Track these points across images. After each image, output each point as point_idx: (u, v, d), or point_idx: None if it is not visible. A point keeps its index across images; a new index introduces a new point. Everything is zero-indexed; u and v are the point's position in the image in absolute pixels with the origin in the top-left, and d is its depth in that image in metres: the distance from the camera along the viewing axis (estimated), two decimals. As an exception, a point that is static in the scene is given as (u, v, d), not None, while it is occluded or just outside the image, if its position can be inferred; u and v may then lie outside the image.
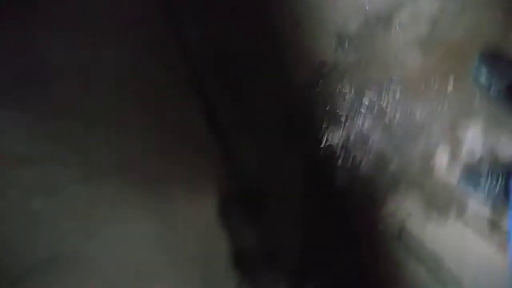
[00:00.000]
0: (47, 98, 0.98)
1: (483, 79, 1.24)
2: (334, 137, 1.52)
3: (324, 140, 1.53)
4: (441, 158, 1.39)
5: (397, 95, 1.41)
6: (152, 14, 1.37)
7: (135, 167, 1.22)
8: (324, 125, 1.52)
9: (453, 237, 1.42)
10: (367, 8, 1.38)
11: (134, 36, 1.26)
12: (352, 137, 1.50)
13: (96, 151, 1.09)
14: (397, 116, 1.42)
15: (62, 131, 1.01)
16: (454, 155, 1.37)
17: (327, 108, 1.51)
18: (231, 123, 1.55)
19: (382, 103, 1.43)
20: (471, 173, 1.33)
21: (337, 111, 1.50)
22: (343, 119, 1.50)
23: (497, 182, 1.27)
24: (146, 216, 1.25)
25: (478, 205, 1.36)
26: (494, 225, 1.35)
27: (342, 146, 1.52)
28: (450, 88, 1.33)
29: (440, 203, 1.42)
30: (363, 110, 1.46)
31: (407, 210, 1.48)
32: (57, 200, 0.97)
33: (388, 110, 1.43)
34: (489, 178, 1.29)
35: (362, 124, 1.48)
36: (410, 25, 1.35)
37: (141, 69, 1.26)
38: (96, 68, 1.13)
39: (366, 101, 1.45)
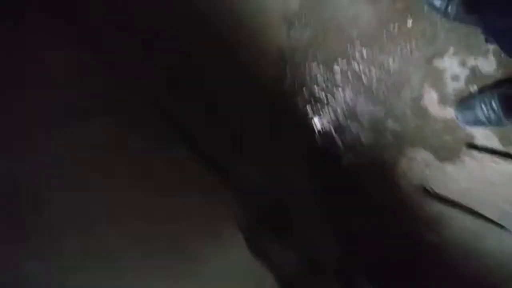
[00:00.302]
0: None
1: (436, 1, 1.17)
2: (323, 119, 1.48)
3: (315, 125, 1.48)
4: (431, 97, 1.32)
5: (365, 54, 1.36)
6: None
7: (154, 241, 1.18)
8: (309, 111, 1.48)
9: (474, 173, 1.32)
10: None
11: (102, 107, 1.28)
12: (339, 112, 1.45)
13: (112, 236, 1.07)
14: (373, 74, 1.38)
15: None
16: (440, 89, 1.30)
17: (305, 93, 1.46)
18: (223, 152, 1.52)
19: (354, 67, 1.39)
20: (464, 102, 1.25)
21: (315, 92, 1.46)
22: (324, 98, 1.45)
23: (491, 102, 1.19)
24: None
25: (484, 134, 1.27)
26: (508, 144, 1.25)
27: (335, 125, 1.47)
28: (410, 25, 1.27)
29: (449, 144, 1.34)
30: (339, 82, 1.41)
31: (422, 162, 1.39)
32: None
33: (362, 72, 1.39)
34: (482, 101, 1.21)
35: (344, 96, 1.43)
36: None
37: (122, 138, 1.27)
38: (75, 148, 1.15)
39: (338, 72, 1.41)
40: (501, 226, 1.37)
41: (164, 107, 1.45)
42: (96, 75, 1.35)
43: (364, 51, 1.37)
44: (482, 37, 1.19)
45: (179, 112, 1.50)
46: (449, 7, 1.17)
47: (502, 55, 1.21)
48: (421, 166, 1.41)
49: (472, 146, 1.32)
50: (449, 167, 1.37)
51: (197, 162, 1.44)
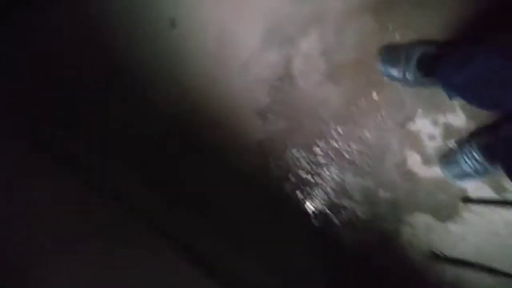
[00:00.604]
0: None
1: (393, 72, 1.24)
2: (315, 202, 1.44)
3: (310, 210, 1.44)
4: (414, 159, 1.34)
5: (341, 131, 1.39)
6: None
7: None
8: (300, 197, 1.45)
9: (478, 227, 1.28)
10: (264, 75, 1.43)
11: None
12: (330, 191, 1.44)
13: None
14: (354, 148, 1.38)
15: None
16: (420, 150, 1.32)
17: (292, 179, 1.45)
18: (226, 259, 1.45)
19: (333, 145, 1.40)
20: (447, 158, 1.26)
21: (302, 176, 1.44)
22: (311, 180, 1.44)
23: (472, 154, 1.20)
24: None
25: (476, 185, 1.26)
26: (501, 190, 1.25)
27: (328, 205, 1.43)
28: (376, 97, 1.32)
29: (445, 202, 1.31)
30: (322, 162, 1.42)
31: (423, 226, 1.34)
32: None
33: (342, 148, 1.40)
34: (464, 154, 1.22)
35: (330, 174, 1.43)
36: (308, 68, 1.40)
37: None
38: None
39: (319, 153, 1.42)
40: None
41: (154, 219, 1.41)
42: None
43: (340, 129, 1.40)
44: (446, 97, 1.24)
45: (171, 223, 1.45)
46: (407, 74, 1.24)
47: (469, 107, 1.25)
48: (423, 230, 1.36)
49: (468, 200, 1.29)
50: (452, 226, 1.32)
51: (194, 266, 1.35)
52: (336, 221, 1.46)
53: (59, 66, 1.58)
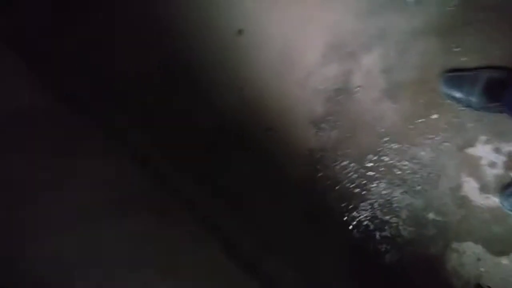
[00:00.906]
0: None
1: (457, 95, 1.19)
2: (360, 214, 1.41)
3: (352, 220, 1.41)
4: (471, 186, 1.25)
5: (395, 149, 1.34)
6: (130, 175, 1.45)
7: None
8: (344, 206, 1.42)
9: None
10: (322, 87, 1.42)
11: (134, 204, 1.31)
12: (376, 205, 1.39)
13: None
14: (406, 167, 1.33)
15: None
16: (479, 177, 1.23)
17: (338, 188, 1.43)
18: (254, 249, 1.46)
19: (386, 162, 1.36)
20: (507, 189, 1.18)
21: (349, 186, 1.41)
22: (358, 192, 1.40)
23: None
24: None
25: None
26: None
27: (373, 221, 1.39)
28: (435, 118, 1.27)
29: (500, 235, 1.22)
30: (372, 178, 1.38)
31: (473, 256, 1.25)
32: None
33: (395, 166, 1.35)
34: None
35: (379, 191, 1.38)
36: (367, 84, 1.38)
37: (153, 230, 1.27)
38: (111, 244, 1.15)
39: (371, 168, 1.38)
40: None
41: (198, 208, 1.46)
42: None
43: (394, 146, 1.36)
44: (509, 124, 1.16)
45: (212, 212, 1.49)
46: (471, 97, 1.18)
47: (536, 139, 1.17)
48: (472, 261, 1.27)
49: (526, 235, 1.20)
50: (505, 261, 1.23)
51: (228, 259, 1.38)
52: (377, 237, 1.41)
53: (126, 61, 1.69)
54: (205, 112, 1.59)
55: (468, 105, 1.21)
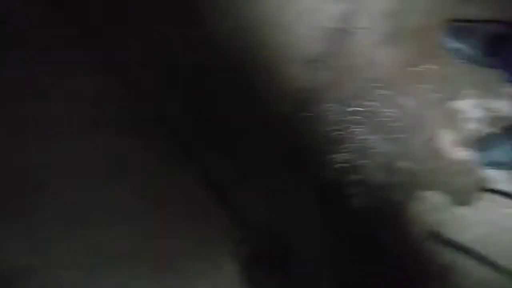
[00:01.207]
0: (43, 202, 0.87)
1: (457, 46, 1.18)
2: (337, 156, 1.38)
3: (329, 161, 1.38)
4: (446, 138, 1.27)
5: (383, 94, 1.32)
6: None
7: (144, 250, 1.03)
8: (323, 147, 1.39)
9: (490, 218, 1.24)
10: (322, 24, 1.35)
11: (115, 123, 1.17)
12: (354, 149, 1.37)
13: (100, 241, 0.93)
14: (389, 114, 1.33)
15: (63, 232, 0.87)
16: (456, 130, 1.26)
17: (321, 130, 1.39)
18: (230, 179, 1.39)
19: (371, 107, 1.34)
20: (481, 144, 1.21)
21: (331, 129, 1.38)
22: (339, 135, 1.38)
23: (509, 144, 1.15)
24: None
25: (502, 177, 1.22)
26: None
27: (348, 161, 1.38)
28: (429, 67, 1.27)
29: (464, 187, 1.27)
30: (355, 121, 1.35)
31: (435, 205, 1.30)
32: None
33: (379, 112, 1.33)
34: (500, 142, 1.17)
35: (359, 134, 1.36)
36: (369, 26, 1.32)
37: (133, 152, 1.15)
38: (87, 159, 1.02)
39: (355, 111, 1.35)
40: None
41: (177, 132, 1.34)
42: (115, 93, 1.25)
43: (383, 91, 1.34)
44: (500, 81, 1.18)
45: (188, 136, 1.38)
46: (471, 49, 1.18)
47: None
48: (434, 209, 1.32)
49: (488, 189, 1.26)
50: (464, 212, 1.29)
51: (202, 184, 1.30)
52: (350, 180, 1.41)
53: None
54: (196, 35, 1.43)
55: (466, 57, 1.21)
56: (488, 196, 1.25)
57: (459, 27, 1.21)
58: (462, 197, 1.31)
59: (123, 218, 0.99)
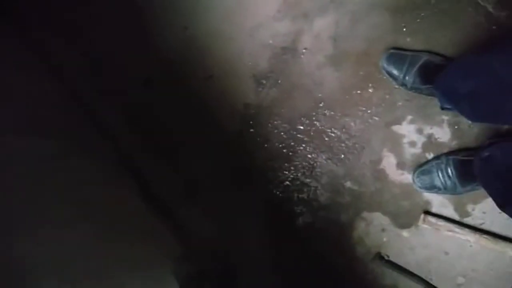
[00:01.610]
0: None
1: (394, 72, 1.18)
2: (283, 173, 1.37)
3: (275, 179, 1.37)
4: (389, 161, 1.28)
5: (328, 115, 1.32)
6: (63, 104, 1.25)
7: (77, 262, 0.99)
8: (269, 164, 1.37)
9: (430, 241, 1.23)
10: (270, 42, 1.35)
11: (50, 127, 1.14)
12: (300, 168, 1.36)
13: (25, 247, 0.88)
14: (335, 135, 1.32)
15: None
16: (398, 154, 1.26)
17: (267, 146, 1.38)
18: (172, 194, 1.36)
19: (317, 127, 1.33)
20: (421, 167, 1.21)
21: (278, 146, 1.37)
22: (285, 153, 1.37)
23: (447, 169, 1.15)
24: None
25: (441, 201, 1.22)
26: (463, 213, 1.21)
27: (294, 180, 1.36)
28: (371, 92, 1.26)
29: (406, 209, 1.26)
30: (301, 140, 1.35)
31: (378, 227, 1.29)
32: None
33: (324, 132, 1.33)
34: (438, 167, 1.17)
35: (305, 154, 1.35)
36: (314, 47, 1.33)
37: (65, 158, 1.12)
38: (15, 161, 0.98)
39: (301, 131, 1.35)
40: (456, 302, 1.25)
41: (117, 140, 1.31)
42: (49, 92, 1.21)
43: (327, 113, 1.33)
44: (437, 109, 1.18)
45: (131, 148, 1.35)
46: (407, 77, 1.18)
47: (456, 126, 1.20)
48: (377, 231, 1.31)
49: (429, 213, 1.25)
50: (406, 234, 1.27)
51: (142, 196, 1.27)
52: (295, 198, 1.39)
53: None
54: (143, 47, 1.43)
55: (403, 84, 1.21)
56: (428, 219, 1.24)
57: (398, 55, 1.22)
58: (405, 220, 1.29)
59: (51, 224, 0.95)
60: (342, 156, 1.33)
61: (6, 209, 0.92)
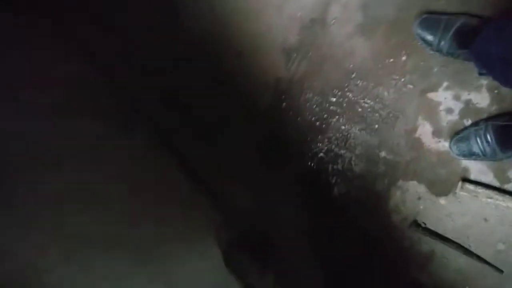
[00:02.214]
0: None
1: (429, 38, 1.11)
2: (316, 146, 1.37)
3: (308, 151, 1.37)
4: (425, 129, 1.23)
5: (360, 86, 1.28)
6: (98, 84, 1.30)
7: (124, 237, 1.05)
8: (302, 137, 1.37)
9: (469, 208, 1.19)
10: (299, 15, 1.31)
11: (90, 109, 1.19)
12: (333, 139, 1.35)
13: (75, 227, 0.94)
14: (368, 105, 1.28)
15: (38, 216, 0.90)
16: (434, 121, 1.21)
17: (300, 120, 1.37)
18: (210, 169, 1.40)
19: (349, 98, 1.30)
20: (458, 134, 1.15)
21: (310, 119, 1.36)
22: (318, 125, 1.35)
23: (485, 135, 1.09)
24: (151, 285, 1.06)
25: (480, 168, 1.16)
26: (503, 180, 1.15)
27: (328, 154, 1.35)
28: (404, 59, 1.20)
29: (443, 177, 1.22)
30: (334, 112, 1.32)
31: (414, 195, 1.26)
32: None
33: (357, 103, 1.30)
34: (477, 133, 1.11)
35: (338, 125, 1.33)
36: (343, 17, 1.27)
37: (108, 138, 1.17)
38: (62, 144, 1.04)
39: (334, 102, 1.32)
40: (497, 269, 1.21)
41: (155, 119, 1.36)
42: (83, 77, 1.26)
43: (360, 83, 1.29)
44: (475, 74, 1.11)
45: (169, 125, 1.39)
46: (442, 42, 1.11)
47: (496, 90, 1.13)
48: (414, 199, 1.28)
49: (467, 180, 1.20)
50: (443, 201, 1.24)
51: (181, 171, 1.32)
52: (330, 169, 1.39)
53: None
54: (173, 28, 1.44)
55: (438, 50, 1.14)
56: (466, 186, 1.20)
57: (432, 19, 1.14)
58: (441, 188, 1.25)
59: (98, 204, 1.01)
60: (376, 126, 1.30)
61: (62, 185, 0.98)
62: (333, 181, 1.38)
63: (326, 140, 1.37)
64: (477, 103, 1.15)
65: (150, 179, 1.20)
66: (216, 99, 1.43)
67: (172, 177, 1.30)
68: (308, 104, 1.38)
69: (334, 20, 1.30)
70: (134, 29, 1.46)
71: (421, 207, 1.28)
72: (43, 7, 1.38)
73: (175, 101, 1.45)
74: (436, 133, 1.22)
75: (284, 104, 1.39)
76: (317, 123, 1.37)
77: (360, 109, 1.31)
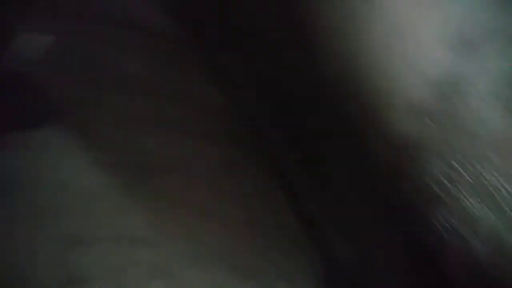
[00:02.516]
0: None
1: None
2: (435, 217, 1.22)
3: (426, 221, 1.23)
4: None
5: (496, 162, 1.16)
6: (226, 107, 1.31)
7: (240, 254, 1.02)
8: (421, 203, 1.24)
9: None
10: (436, 77, 1.23)
11: (216, 131, 1.16)
12: (457, 217, 1.20)
13: (202, 239, 0.92)
14: (504, 189, 1.15)
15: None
16: None
17: (421, 185, 1.24)
18: (320, 211, 1.29)
19: (481, 175, 1.18)
20: None
21: (433, 188, 1.23)
22: (441, 196, 1.22)
23: None
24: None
25: None
26: None
27: (448, 226, 1.21)
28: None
29: None
30: (462, 185, 1.20)
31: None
32: (174, 283, 0.82)
33: (491, 183, 1.17)
34: None
35: (465, 201, 1.20)
36: (487, 86, 1.18)
37: (230, 164, 1.14)
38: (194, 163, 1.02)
39: (463, 175, 1.20)
40: None
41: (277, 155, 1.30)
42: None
43: (495, 160, 1.18)
44: None
45: (287, 166, 1.31)
46: None
47: None
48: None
49: None
50: None
51: (293, 215, 1.25)
52: (447, 245, 1.23)
53: None
54: (307, 70, 1.38)
55: None
56: None
57: None
58: None
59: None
60: (508, 208, 1.17)
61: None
62: (451, 260, 1.22)
63: (448, 215, 1.23)
64: None
65: (262, 210, 1.14)
66: (338, 152, 1.34)
67: (283, 213, 1.24)
68: (433, 170, 1.25)
69: (475, 88, 1.22)
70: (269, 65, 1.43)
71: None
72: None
73: (298, 141, 1.37)
74: None
75: (408, 164, 1.28)
76: (440, 194, 1.23)
77: (495, 194, 1.18)
